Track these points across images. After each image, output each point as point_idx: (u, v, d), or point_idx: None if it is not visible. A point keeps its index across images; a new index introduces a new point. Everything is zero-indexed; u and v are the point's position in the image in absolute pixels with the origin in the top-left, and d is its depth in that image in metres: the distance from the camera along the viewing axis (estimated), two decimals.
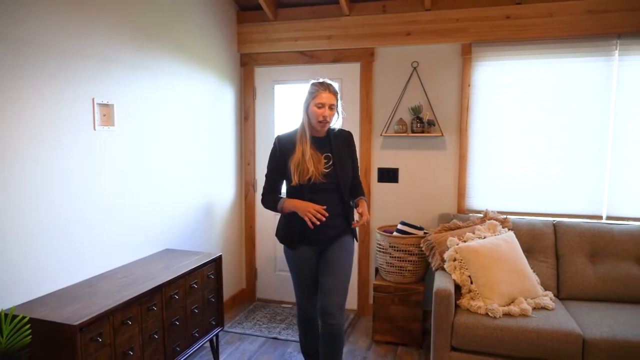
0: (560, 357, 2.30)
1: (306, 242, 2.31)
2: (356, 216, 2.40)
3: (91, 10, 2.25)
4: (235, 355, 2.99)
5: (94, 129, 2.29)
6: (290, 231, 2.32)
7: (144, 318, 2.12)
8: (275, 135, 2.39)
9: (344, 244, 2.34)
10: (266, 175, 2.40)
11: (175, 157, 2.97)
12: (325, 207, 2.18)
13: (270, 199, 2.35)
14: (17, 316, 1.68)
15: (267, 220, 3.85)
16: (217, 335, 2.80)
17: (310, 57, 3.59)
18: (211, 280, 2.69)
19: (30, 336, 1.66)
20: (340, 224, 2.33)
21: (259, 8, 3.55)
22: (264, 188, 2.39)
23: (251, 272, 3.93)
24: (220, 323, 2.81)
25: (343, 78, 3.58)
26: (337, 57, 3.53)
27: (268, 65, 3.72)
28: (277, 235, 2.45)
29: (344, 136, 2.39)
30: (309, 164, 2.21)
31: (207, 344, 2.83)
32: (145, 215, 2.69)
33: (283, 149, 2.30)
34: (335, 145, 2.32)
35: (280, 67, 3.70)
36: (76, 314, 1.82)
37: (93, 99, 2.28)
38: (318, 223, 2.13)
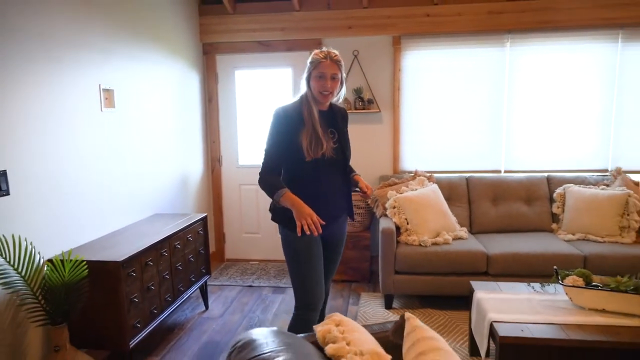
0: (472, 269, 3.16)
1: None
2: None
3: (92, 7, 2.66)
4: (220, 300, 3.57)
5: (101, 110, 2.73)
6: (274, 182, 2.06)
7: (159, 261, 2.65)
8: (276, 110, 2.10)
9: (345, 225, 2.32)
10: (266, 151, 2.09)
11: (157, 135, 3.42)
12: (329, 204, 2.10)
13: (272, 182, 2.05)
14: (75, 257, 2.16)
15: (232, 191, 4.40)
16: (205, 283, 3.36)
17: (266, 46, 4.14)
18: (200, 236, 3.24)
19: (87, 270, 2.15)
20: (345, 203, 2.24)
21: (219, 2, 4.03)
22: (264, 167, 2.08)
23: (220, 236, 4.47)
24: (208, 272, 3.37)
25: (295, 65, 4.18)
26: (290, 46, 4.13)
27: (229, 53, 4.23)
28: (279, 219, 2.14)
29: (342, 112, 2.25)
30: (323, 137, 2.05)
31: (197, 292, 3.37)
32: (137, 185, 3.14)
33: (290, 121, 2.05)
34: (338, 121, 2.19)
35: (239, 55, 4.22)
36: (115, 255, 2.32)
37: (99, 85, 2.71)
38: (308, 233, 1.90)
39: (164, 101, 3.51)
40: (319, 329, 1.34)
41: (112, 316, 2.28)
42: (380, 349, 1.22)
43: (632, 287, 2.17)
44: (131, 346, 2.32)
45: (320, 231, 1.92)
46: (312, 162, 2.04)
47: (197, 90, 4.15)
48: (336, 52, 2.10)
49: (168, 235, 2.73)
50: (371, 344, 1.26)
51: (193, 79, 4.06)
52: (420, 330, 1.30)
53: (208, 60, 4.25)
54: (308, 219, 1.90)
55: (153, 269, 2.58)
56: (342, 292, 3.70)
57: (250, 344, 1.20)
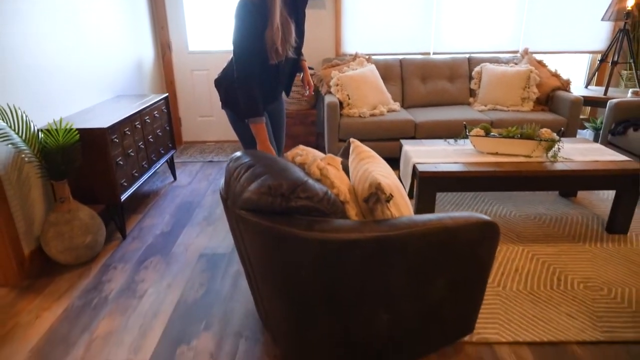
0: (403, 135, 3.80)
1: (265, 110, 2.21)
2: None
3: None
4: (185, 173, 4.02)
5: None
6: (256, 103, 2.03)
7: (134, 132, 3.00)
8: (242, 1, 1.89)
9: (284, 102, 2.48)
10: (241, 49, 1.93)
11: (109, 22, 3.52)
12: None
13: (254, 100, 2.00)
14: (65, 125, 2.46)
15: (184, 77, 4.62)
16: (172, 157, 3.76)
17: None
18: (164, 113, 3.56)
19: (79, 135, 2.48)
20: (288, 83, 2.35)
21: None
22: (245, 69, 1.95)
23: (176, 120, 4.77)
24: (174, 146, 3.75)
25: None
26: None
27: None
28: (230, 104, 2.19)
29: None
30: (286, 40, 1.98)
31: (165, 167, 3.77)
32: (99, 68, 3.33)
33: (257, 16, 1.89)
34: (299, 4, 2.08)
35: None
36: (99, 124, 2.65)
37: None
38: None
39: None
40: (287, 153, 1.84)
41: (103, 175, 2.67)
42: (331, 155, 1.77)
43: (518, 135, 2.87)
44: (122, 200, 2.76)
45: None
46: (274, 64, 2.03)
47: None
48: None
49: (139, 110, 3.05)
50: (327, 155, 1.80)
51: None
52: (361, 147, 1.85)
53: None
54: (268, 152, 2.01)
55: (130, 138, 2.94)
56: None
57: (242, 157, 1.69)
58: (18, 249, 2.41)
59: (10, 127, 2.27)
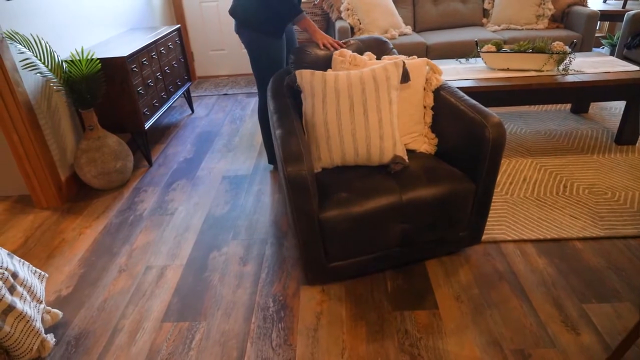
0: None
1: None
2: None
3: None
4: (202, 105, 4.12)
5: None
6: (281, 21, 2.24)
7: (151, 62, 3.08)
8: None
9: (294, 29, 2.57)
10: None
11: None
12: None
13: (292, 3, 2.18)
14: (87, 54, 2.55)
15: (193, 10, 4.59)
16: (188, 89, 3.85)
17: None
18: (178, 45, 3.61)
19: (100, 64, 2.58)
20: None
21: None
22: None
23: (189, 56, 4.81)
24: (190, 79, 3.83)
25: None
26: None
27: None
28: (248, 24, 2.27)
29: None
30: None
31: (182, 101, 3.87)
32: (112, 2, 3.37)
33: None
34: None
35: None
36: (118, 53, 2.73)
37: None
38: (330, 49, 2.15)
39: None
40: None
41: (127, 103, 2.79)
42: (371, 61, 1.90)
43: (529, 49, 2.87)
44: (146, 128, 2.90)
45: (340, 46, 2.16)
46: None
47: None
48: None
49: (154, 41, 3.11)
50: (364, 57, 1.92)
51: None
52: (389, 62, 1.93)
53: None
54: (330, 40, 2.18)
55: (148, 69, 3.02)
56: None
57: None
58: (55, 175, 2.60)
59: (36, 56, 2.37)
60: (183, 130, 3.59)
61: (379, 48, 2.22)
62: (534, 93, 2.76)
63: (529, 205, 2.34)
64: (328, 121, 1.82)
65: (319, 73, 1.86)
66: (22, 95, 2.35)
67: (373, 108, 1.82)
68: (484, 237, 2.12)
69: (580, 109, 3.40)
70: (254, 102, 4.11)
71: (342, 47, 2.16)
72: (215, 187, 2.74)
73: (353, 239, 1.73)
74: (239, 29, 2.31)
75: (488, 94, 2.75)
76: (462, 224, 1.86)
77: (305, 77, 1.87)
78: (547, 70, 2.87)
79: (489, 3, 4.19)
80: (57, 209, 2.62)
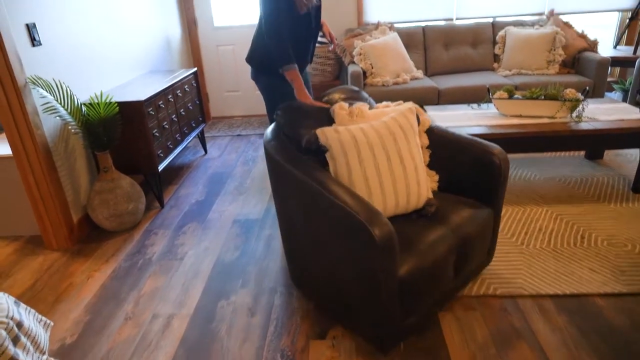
0: (427, 102, 3.83)
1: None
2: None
3: None
4: (215, 146, 4.17)
5: None
6: (288, 51, 2.12)
7: (167, 105, 3.14)
8: None
9: (309, 74, 2.55)
10: (272, 9, 2.06)
11: (140, 1, 3.65)
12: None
13: (285, 50, 2.08)
14: (106, 97, 2.62)
15: (211, 52, 4.72)
16: (202, 130, 3.91)
17: None
18: (194, 87, 3.69)
19: (118, 108, 2.63)
20: (314, 47, 2.38)
21: None
22: (276, 27, 2.06)
23: (204, 96, 4.91)
24: (204, 120, 3.89)
25: None
26: None
27: None
28: (265, 70, 2.28)
29: None
30: None
31: (196, 141, 3.92)
32: (130, 46, 3.46)
33: None
34: None
35: None
36: (136, 97, 2.79)
37: None
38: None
39: None
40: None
41: (141, 146, 2.83)
42: (384, 111, 1.92)
43: (542, 96, 2.88)
44: (159, 170, 2.92)
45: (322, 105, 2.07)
46: (305, 14, 2.13)
47: None
48: None
49: (171, 84, 3.18)
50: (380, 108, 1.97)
51: None
52: (402, 116, 1.93)
53: None
54: (309, 100, 2.13)
55: (164, 111, 3.08)
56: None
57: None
58: (68, 216, 2.61)
59: (57, 100, 2.43)
60: (196, 171, 3.62)
61: (357, 97, 2.18)
62: (547, 140, 2.74)
63: (546, 257, 2.27)
64: (368, 177, 1.75)
65: (343, 129, 1.78)
66: (41, 137, 2.40)
67: (407, 156, 1.82)
68: (500, 291, 2.06)
69: (595, 155, 3.37)
70: None
71: (324, 105, 2.08)
72: (226, 231, 2.72)
73: (424, 289, 1.68)
74: (256, 76, 2.35)
75: (501, 141, 2.73)
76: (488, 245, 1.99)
77: (330, 135, 1.76)
78: (560, 117, 2.86)
79: (500, 48, 4.25)
80: (67, 250, 2.62)
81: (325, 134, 1.77)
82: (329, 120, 1.97)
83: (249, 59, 2.34)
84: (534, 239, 2.44)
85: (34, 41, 2.36)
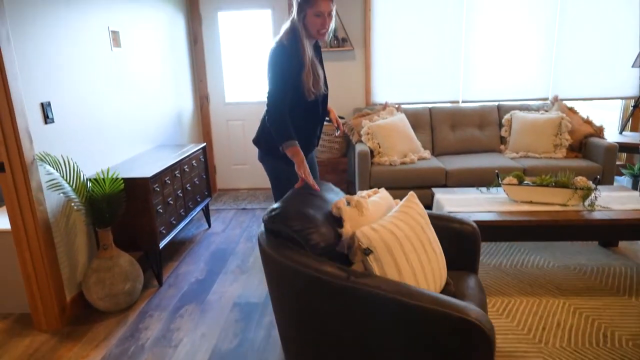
0: (434, 183, 3.80)
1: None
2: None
3: None
4: (219, 220, 4.11)
5: (111, 50, 3.07)
6: (288, 128, 2.09)
7: (173, 181, 3.12)
8: (278, 46, 2.07)
9: (315, 153, 2.55)
10: (274, 89, 2.06)
11: (154, 74, 3.77)
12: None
13: (285, 128, 2.06)
14: (112, 174, 2.60)
15: (220, 127, 4.82)
16: (207, 204, 3.87)
17: None
18: (202, 162, 3.70)
19: (123, 184, 2.61)
20: (320, 132, 2.39)
21: None
22: (276, 105, 2.05)
23: (211, 168, 4.94)
24: (210, 194, 3.87)
25: (274, 6, 4.50)
26: None
27: None
28: (272, 153, 2.23)
29: (317, 43, 2.26)
30: (319, 75, 2.14)
31: (200, 214, 3.88)
32: (143, 119, 3.53)
33: (291, 60, 2.05)
34: (319, 52, 2.26)
35: None
36: (142, 173, 2.78)
37: (108, 27, 3.03)
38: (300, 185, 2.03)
39: (157, 42, 3.82)
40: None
41: (145, 222, 2.78)
42: (381, 202, 1.82)
43: (552, 183, 2.84)
44: (160, 247, 2.84)
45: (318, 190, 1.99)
46: (312, 101, 2.15)
47: (184, 31, 4.43)
48: None
49: (179, 160, 3.19)
50: (377, 199, 1.87)
51: (179, 20, 4.33)
52: (410, 202, 1.87)
53: (192, 2, 4.50)
54: (309, 178, 2.02)
55: (170, 187, 3.06)
56: None
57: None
58: (61, 295, 2.50)
59: (63, 176, 2.42)
60: (198, 247, 3.53)
61: (336, 192, 2.10)
62: (561, 229, 2.66)
63: (568, 359, 2.11)
64: (416, 273, 1.65)
65: (380, 227, 1.66)
66: (42, 213, 2.35)
67: (434, 242, 1.79)
68: None
69: (609, 242, 3.27)
70: None
71: (317, 189, 1.99)
72: (225, 315, 2.58)
73: None
74: (263, 158, 2.34)
75: (514, 230, 2.66)
76: None
77: (372, 236, 1.61)
78: (572, 205, 2.80)
79: (506, 131, 4.30)
80: (56, 332, 2.47)
81: (366, 235, 1.61)
82: (332, 218, 1.76)
83: (256, 141, 2.34)
84: (552, 335, 2.28)
85: (47, 119, 2.39)
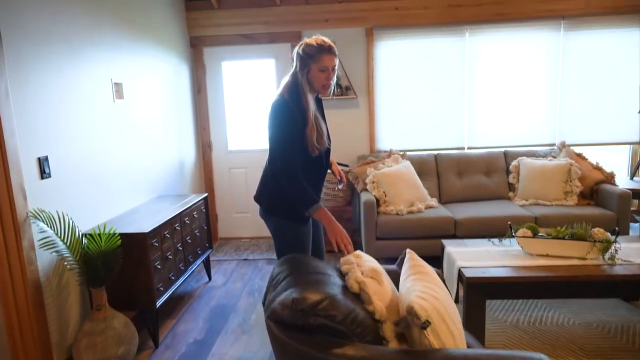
0: (443, 233, 3.67)
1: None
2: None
3: (103, 9, 2.95)
4: (220, 272, 3.96)
5: (114, 102, 3.04)
6: (309, 191, 2.00)
7: (173, 234, 3.01)
8: (281, 102, 1.98)
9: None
10: (284, 147, 1.97)
11: (157, 124, 3.73)
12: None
13: (306, 191, 1.97)
14: (109, 230, 2.50)
15: (223, 174, 4.76)
16: (208, 256, 3.73)
17: (250, 39, 4.48)
18: (203, 213, 3.60)
19: (120, 240, 2.50)
20: (323, 185, 2.30)
21: None
22: (290, 166, 1.96)
23: (213, 216, 4.82)
24: (211, 246, 3.74)
25: (278, 56, 4.54)
26: (272, 38, 4.48)
27: (215, 46, 4.53)
28: (275, 211, 2.12)
29: (318, 96, 2.20)
30: (323, 130, 2.07)
31: (200, 266, 3.73)
32: (144, 169, 3.46)
33: (295, 115, 1.97)
34: (321, 106, 2.21)
35: (225, 47, 4.54)
36: (140, 228, 2.67)
37: (111, 79, 3.01)
38: (340, 251, 1.95)
39: (160, 92, 3.82)
40: (342, 258, 1.74)
41: (141, 280, 2.64)
42: (379, 267, 1.67)
43: (568, 235, 2.71)
44: (157, 306, 2.69)
45: (352, 250, 1.93)
46: (317, 156, 2.07)
47: (187, 81, 4.45)
48: (331, 41, 2.05)
49: (179, 212, 3.09)
50: (374, 265, 1.71)
51: (183, 70, 4.36)
52: (414, 261, 1.75)
53: (196, 53, 4.55)
54: (344, 239, 1.95)
55: (169, 241, 2.94)
56: (329, 261, 4.15)
57: (285, 263, 1.62)
58: None
59: (57, 233, 2.31)
60: (197, 302, 3.36)
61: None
62: (581, 286, 2.51)
63: None
64: (460, 333, 1.54)
65: (425, 295, 1.52)
66: (33, 273, 2.23)
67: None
68: None
69: (631, 297, 3.09)
70: None
71: (350, 251, 1.93)
72: None
73: None
74: (265, 216, 2.23)
75: (531, 286, 2.51)
76: None
77: (426, 306, 1.46)
78: (591, 259, 2.66)
79: (514, 178, 4.21)
80: None
81: (422, 307, 1.44)
82: (349, 294, 1.59)
83: (258, 198, 2.23)
84: None
85: (43, 174, 2.31)
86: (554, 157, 4.21)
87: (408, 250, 1.82)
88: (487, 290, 2.52)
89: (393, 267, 2.11)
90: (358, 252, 1.81)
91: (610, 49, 4.36)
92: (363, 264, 1.68)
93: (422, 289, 1.55)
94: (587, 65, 4.41)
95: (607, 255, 2.67)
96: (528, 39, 4.39)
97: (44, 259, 2.33)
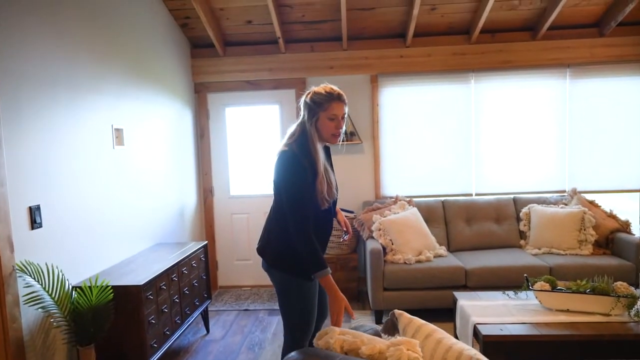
0: (453, 283, 3.49)
1: None
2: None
3: (105, 56, 2.94)
4: (219, 323, 3.75)
5: (113, 148, 2.97)
6: (320, 253, 1.90)
7: (170, 285, 2.85)
8: (289, 153, 1.91)
9: None
10: (297, 206, 1.88)
11: (158, 170, 3.66)
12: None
13: (318, 252, 1.87)
14: (101, 282, 2.36)
15: (224, 220, 4.63)
16: (207, 307, 3.55)
17: (254, 85, 4.48)
18: (202, 262, 3.45)
19: (112, 294, 2.35)
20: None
21: (210, 46, 4.37)
22: (304, 224, 1.87)
23: (213, 264, 4.66)
24: (209, 296, 3.56)
25: (282, 102, 4.53)
26: (277, 85, 4.48)
27: (219, 92, 4.54)
28: (280, 265, 2.02)
29: (326, 146, 2.13)
30: (331, 182, 2.00)
31: (198, 317, 3.54)
32: (143, 217, 3.35)
33: (311, 167, 1.90)
34: (329, 155, 2.14)
35: (229, 93, 4.54)
36: (135, 280, 2.53)
37: (112, 125, 2.96)
38: (337, 325, 1.84)
39: (162, 138, 3.77)
40: (331, 341, 1.55)
41: (134, 336, 2.47)
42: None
43: (590, 289, 2.55)
44: None
45: (354, 318, 1.97)
46: (325, 209, 1.98)
47: (190, 126, 4.42)
48: (339, 89, 2.00)
49: (177, 262, 2.95)
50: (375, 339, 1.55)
51: (186, 116, 4.33)
52: (417, 321, 1.60)
53: (200, 99, 4.55)
54: (342, 312, 1.84)
55: (165, 293, 2.78)
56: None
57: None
58: None
59: (44, 287, 2.17)
60: (193, 358, 3.15)
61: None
62: (607, 345, 2.32)
63: None
64: None
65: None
66: (16, 332, 2.07)
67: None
68: None
69: None
70: (276, 322, 3.73)
71: (340, 325, 1.80)
72: None
73: None
74: (269, 269, 2.09)
75: (553, 345, 2.32)
76: None
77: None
78: (615, 315, 2.49)
79: (525, 225, 4.07)
80: None
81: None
82: None
83: (262, 251, 2.10)
84: None
85: (34, 224, 2.20)
86: (566, 205, 4.08)
87: (396, 311, 1.65)
88: (505, 349, 2.34)
89: (370, 328, 1.85)
90: (338, 328, 1.60)
91: (616, 95, 4.33)
92: (364, 338, 1.51)
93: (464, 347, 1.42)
94: (594, 112, 4.36)
95: (632, 312, 2.50)
96: (534, 85, 4.37)
97: (28, 315, 2.17)
